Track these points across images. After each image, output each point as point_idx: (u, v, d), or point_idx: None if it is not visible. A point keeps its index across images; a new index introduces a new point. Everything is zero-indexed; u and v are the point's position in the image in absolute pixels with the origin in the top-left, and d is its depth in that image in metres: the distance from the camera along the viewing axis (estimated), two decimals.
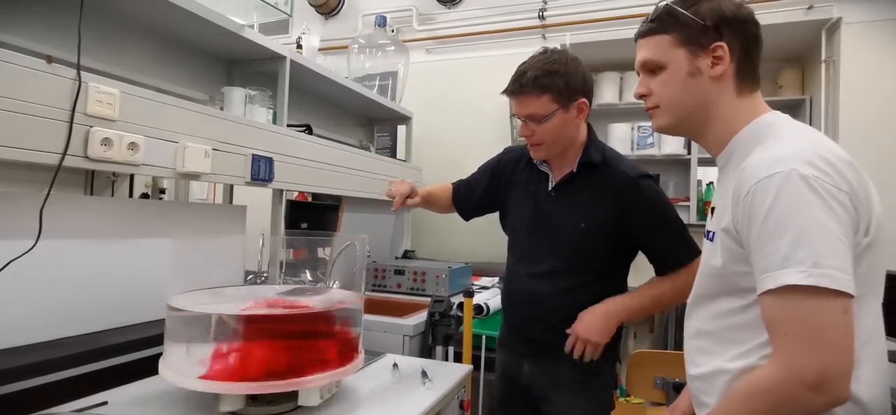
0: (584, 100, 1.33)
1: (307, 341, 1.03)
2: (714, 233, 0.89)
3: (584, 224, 1.34)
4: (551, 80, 1.28)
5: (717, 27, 0.88)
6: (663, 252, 1.36)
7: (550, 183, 1.42)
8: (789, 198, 0.75)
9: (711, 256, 0.89)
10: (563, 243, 1.37)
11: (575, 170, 1.37)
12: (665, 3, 0.93)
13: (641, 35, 0.97)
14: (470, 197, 1.60)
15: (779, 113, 0.91)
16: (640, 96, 0.99)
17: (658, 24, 0.93)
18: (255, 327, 1.01)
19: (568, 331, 1.36)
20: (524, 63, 1.34)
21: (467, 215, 1.63)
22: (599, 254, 1.36)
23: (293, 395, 1.03)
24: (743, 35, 0.89)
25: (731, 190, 0.84)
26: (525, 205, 1.45)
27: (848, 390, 0.72)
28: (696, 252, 1.32)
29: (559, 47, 1.43)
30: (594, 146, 1.38)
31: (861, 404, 0.78)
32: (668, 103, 0.94)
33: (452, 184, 1.65)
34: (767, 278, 0.75)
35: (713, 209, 0.95)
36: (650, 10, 0.97)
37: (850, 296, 0.72)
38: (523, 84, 1.30)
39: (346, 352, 1.09)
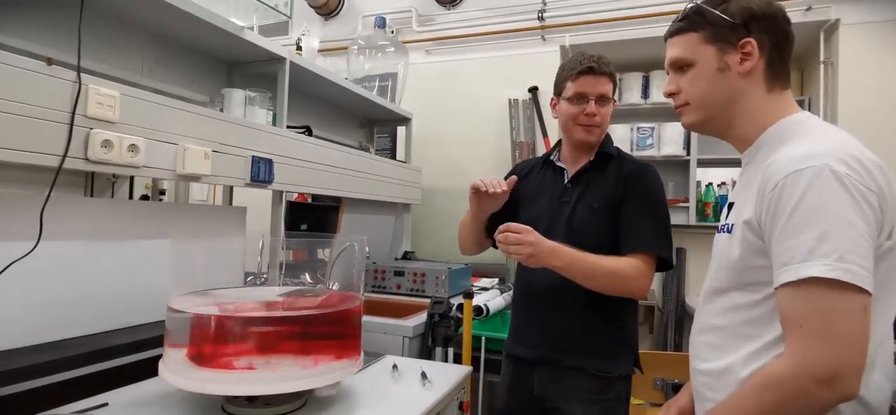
0: (616, 101, 1.51)
1: (307, 343, 1.03)
2: (732, 225, 0.89)
3: (597, 205, 1.40)
4: (613, 73, 1.46)
5: (746, 24, 0.89)
6: (630, 227, 1.36)
7: (566, 177, 1.49)
8: (819, 192, 0.75)
9: (727, 248, 0.89)
10: (578, 226, 1.40)
11: (592, 159, 1.46)
12: (694, 2, 0.94)
13: (671, 34, 0.98)
14: (494, 218, 1.56)
15: (808, 113, 0.92)
16: (669, 94, 0.99)
17: (687, 22, 0.94)
18: (256, 328, 1.01)
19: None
20: (587, 53, 1.45)
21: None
22: (610, 234, 1.38)
23: (294, 396, 1.04)
24: (772, 31, 0.90)
25: (755, 184, 0.84)
26: (540, 203, 1.49)
27: (857, 386, 0.73)
28: (657, 252, 1.34)
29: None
30: (610, 142, 1.50)
31: (868, 407, 0.78)
32: (697, 100, 0.95)
33: None
34: (788, 271, 0.75)
35: (731, 205, 0.95)
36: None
37: (870, 294, 0.73)
38: (606, 65, 1.44)
39: (345, 353, 1.09)
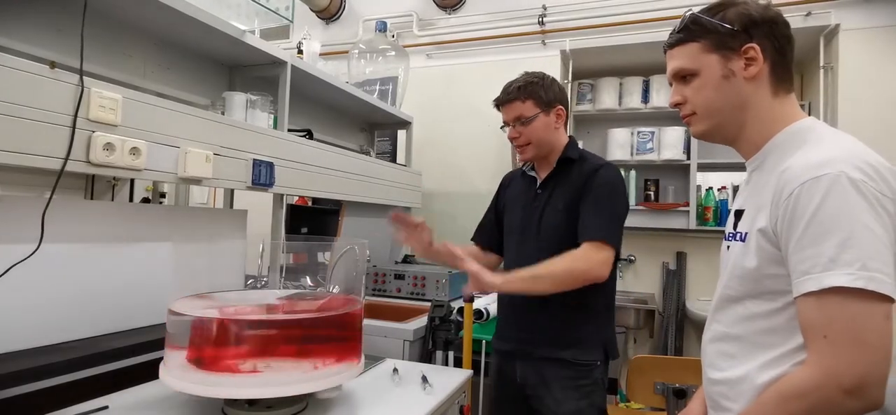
0: (561, 107, 1.57)
1: (307, 346, 1.03)
2: (746, 234, 0.88)
3: (561, 206, 1.49)
4: (533, 89, 1.54)
5: (746, 30, 0.89)
6: (582, 221, 1.44)
7: (537, 183, 1.60)
8: (837, 200, 0.74)
9: (742, 257, 0.88)
10: (546, 228, 1.51)
11: (555, 166, 1.56)
12: (691, 12, 0.94)
13: (670, 46, 0.97)
14: (491, 233, 1.71)
15: (815, 118, 0.92)
16: (675, 105, 0.99)
17: (686, 33, 0.94)
18: (256, 331, 1.01)
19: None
20: (509, 81, 1.60)
21: (500, 249, 1.70)
22: (574, 231, 1.45)
23: (294, 399, 1.04)
24: (774, 35, 0.90)
25: (768, 191, 0.83)
26: (516, 209, 1.61)
27: (883, 396, 0.72)
28: (601, 239, 1.37)
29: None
30: (572, 148, 1.58)
31: (886, 413, 0.78)
32: (704, 108, 0.94)
33: (473, 240, 1.75)
34: (809, 280, 0.75)
35: (738, 212, 0.94)
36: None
37: (893, 301, 0.72)
38: (510, 92, 1.55)
39: (346, 356, 1.09)
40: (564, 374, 1.46)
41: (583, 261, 1.36)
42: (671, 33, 0.97)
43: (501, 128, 1.61)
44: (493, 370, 1.65)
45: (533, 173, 1.62)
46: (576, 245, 1.41)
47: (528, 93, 1.52)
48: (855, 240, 0.73)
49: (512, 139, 1.57)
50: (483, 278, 1.32)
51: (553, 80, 1.58)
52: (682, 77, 0.95)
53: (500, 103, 1.58)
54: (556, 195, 1.52)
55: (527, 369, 1.51)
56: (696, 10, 0.93)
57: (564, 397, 1.45)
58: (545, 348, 1.48)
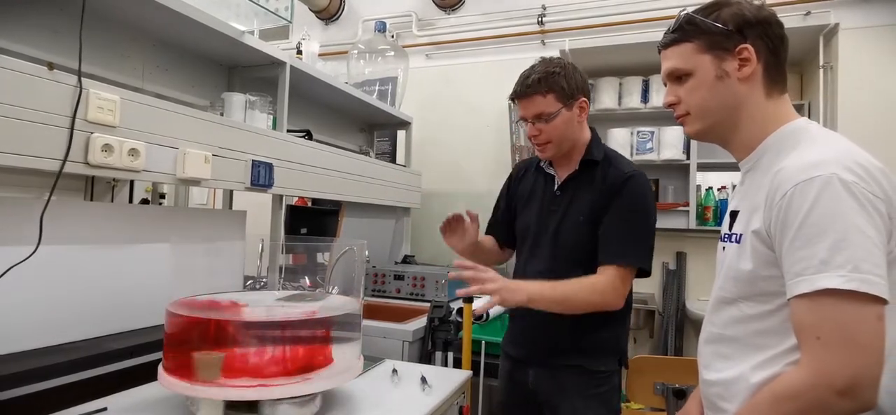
0: (584, 99, 1.41)
1: (306, 347, 1.03)
2: (741, 235, 0.88)
3: (582, 218, 1.38)
4: (555, 80, 1.37)
5: (740, 30, 0.89)
6: (607, 238, 1.34)
7: (556, 184, 1.47)
8: (829, 202, 0.75)
9: (737, 259, 0.88)
10: (564, 242, 1.41)
11: (578, 167, 1.43)
12: (685, 12, 0.93)
13: (665, 46, 0.97)
14: (502, 225, 1.61)
15: (808, 119, 0.92)
16: (669, 105, 0.99)
17: (680, 33, 0.94)
18: (254, 332, 1.01)
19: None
20: (526, 70, 1.43)
21: (513, 244, 1.62)
22: (594, 245, 1.36)
23: (292, 400, 1.03)
24: (767, 36, 0.90)
25: (762, 192, 0.84)
26: (532, 208, 1.50)
27: (876, 397, 0.72)
28: (628, 264, 1.31)
29: (555, 55, 1.49)
30: (596, 146, 1.45)
31: (881, 413, 0.78)
32: (697, 109, 0.94)
33: (488, 233, 1.66)
34: (802, 282, 0.75)
35: (733, 213, 0.94)
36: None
37: (885, 302, 0.73)
38: (529, 85, 1.38)
39: (345, 357, 1.09)
40: (583, 382, 1.39)
41: (599, 294, 1.29)
42: (665, 33, 0.97)
43: (517, 123, 1.51)
44: (503, 374, 1.57)
45: (550, 170, 1.49)
46: (594, 261, 1.33)
47: (549, 85, 1.36)
48: (847, 242, 0.73)
49: (531, 137, 1.43)
50: (513, 296, 1.27)
51: (574, 67, 1.41)
52: (677, 77, 0.95)
53: (517, 97, 1.42)
54: (577, 202, 1.40)
55: (541, 376, 1.44)
56: (690, 9, 0.93)
57: (584, 406, 1.38)
58: (560, 355, 1.40)
